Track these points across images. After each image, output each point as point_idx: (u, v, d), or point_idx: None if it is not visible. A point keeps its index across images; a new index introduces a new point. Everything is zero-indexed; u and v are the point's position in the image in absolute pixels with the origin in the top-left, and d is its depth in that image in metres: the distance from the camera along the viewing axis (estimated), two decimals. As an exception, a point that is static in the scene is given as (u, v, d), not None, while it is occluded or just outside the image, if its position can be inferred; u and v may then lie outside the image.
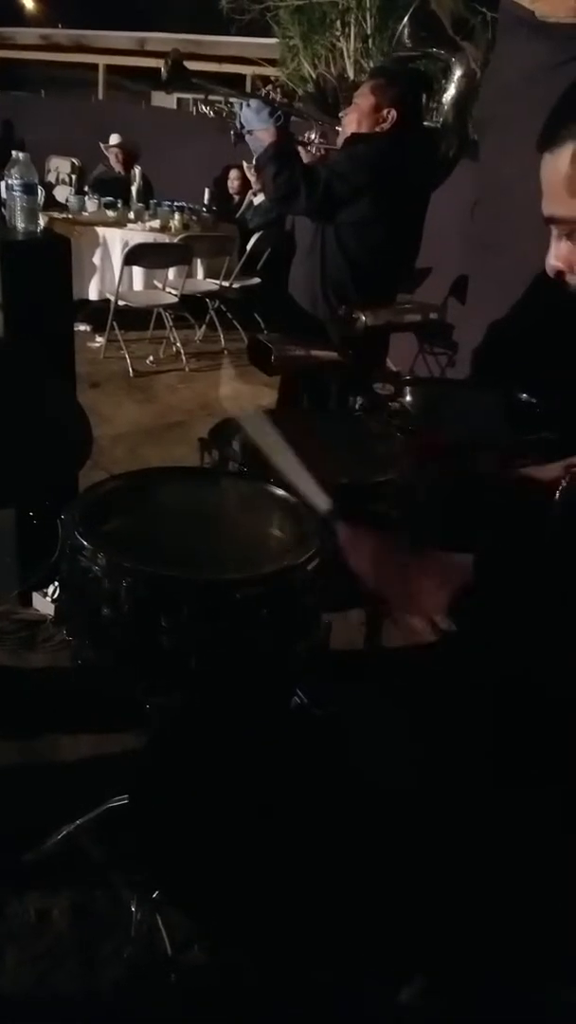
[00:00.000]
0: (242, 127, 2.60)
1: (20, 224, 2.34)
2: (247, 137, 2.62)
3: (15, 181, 2.29)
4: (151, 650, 1.19)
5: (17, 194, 2.30)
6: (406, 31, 3.19)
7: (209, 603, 1.20)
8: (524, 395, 1.75)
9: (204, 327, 6.13)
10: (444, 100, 3.06)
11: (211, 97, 2.83)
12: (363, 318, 1.68)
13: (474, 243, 3.04)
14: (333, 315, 2.47)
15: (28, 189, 2.32)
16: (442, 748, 1.19)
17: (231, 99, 3.08)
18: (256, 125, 2.54)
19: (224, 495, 1.53)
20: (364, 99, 2.57)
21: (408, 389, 1.77)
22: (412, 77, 2.69)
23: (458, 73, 3.10)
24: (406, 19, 3.46)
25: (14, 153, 2.31)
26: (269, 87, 7.13)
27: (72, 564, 1.25)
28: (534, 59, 2.40)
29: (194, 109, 11.88)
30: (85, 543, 1.20)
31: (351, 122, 2.60)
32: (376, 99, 2.54)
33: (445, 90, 3.11)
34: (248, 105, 2.57)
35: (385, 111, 2.52)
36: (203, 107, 2.79)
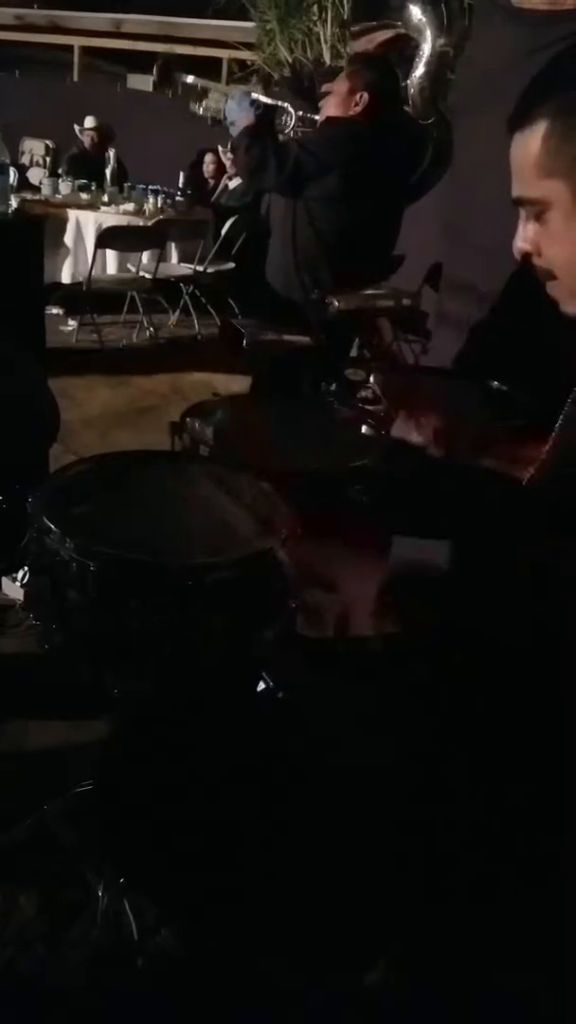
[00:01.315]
0: (225, 118, 2.69)
1: (-10, 204, 2.31)
2: (230, 129, 2.71)
3: (-16, 161, 2.25)
4: (118, 635, 1.19)
5: (-13, 173, 2.27)
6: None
7: (177, 587, 1.19)
8: (496, 383, 1.75)
9: (178, 312, 6.09)
10: (411, 80, 3.03)
11: (204, 101, 2.90)
12: (335, 303, 1.67)
13: (445, 229, 3.03)
14: (306, 296, 2.48)
15: (-1, 169, 2.29)
16: (407, 734, 1.20)
17: (214, 91, 3.12)
18: (238, 116, 2.62)
19: (194, 479, 1.52)
20: (340, 84, 2.63)
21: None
22: (388, 62, 2.68)
23: (426, 52, 3.08)
24: None
25: (-15, 133, 2.28)
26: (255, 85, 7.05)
27: (39, 547, 1.23)
28: (509, 45, 2.39)
29: (170, 92, 11.75)
30: (52, 526, 1.19)
31: (328, 107, 2.66)
32: (351, 83, 2.58)
33: (412, 70, 3.08)
34: (232, 98, 2.67)
35: (358, 95, 2.56)
36: (196, 108, 2.85)
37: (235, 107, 2.62)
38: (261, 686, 1.60)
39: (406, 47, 3.24)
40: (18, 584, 2.49)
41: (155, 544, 1.24)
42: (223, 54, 9.66)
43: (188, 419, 1.70)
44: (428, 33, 3.21)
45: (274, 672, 1.48)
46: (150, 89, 13.93)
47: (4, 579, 2.57)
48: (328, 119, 2.63)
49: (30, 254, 2.38)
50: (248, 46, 8.31)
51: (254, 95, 2.70)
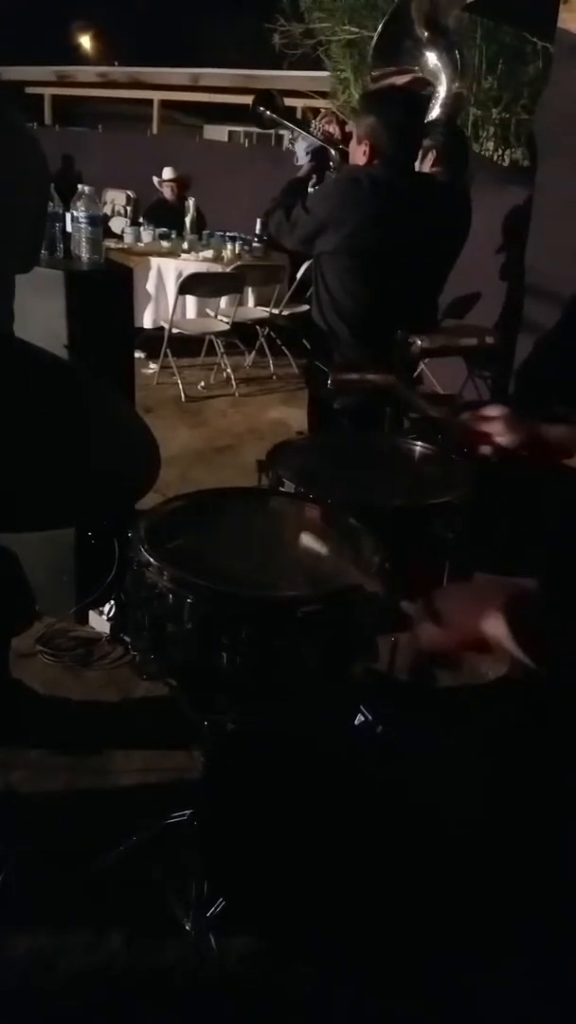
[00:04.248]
0: (297, 160, 2.92)
1: (85, 255, 2.42)
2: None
3: (81, 213, 2.37)
4: (213, 666, 1.21)
5: (83, 226, 2.39)
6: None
7: (272, 620, 1.22)
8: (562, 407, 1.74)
9: (254, 353, 6.22)
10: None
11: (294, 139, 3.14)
12: (419, 342, 1.70)
13: (529, 267, 3.05)
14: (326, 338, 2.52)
15: (93, 221, 2.41)
16: (496, 778, 1.18)
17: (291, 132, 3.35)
18: (302, 158, 2.84)
19: (282, 516, 1.55)
20: (354, 129, 2.53)
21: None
22: (388, 105, 2.46)
23: (442, 94, 3.11)
24: (375, 38, 3.54)
25: (80, 187, 2.40)
26: (322, 118, 7.24)
27: (137, 580, 1.28)
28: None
29: (245, 142, 12.15)
30: (152, 560, 1.23)
31: (351, 155, 2.57)
32: (356, 131, 2.47)
33: (429, 111, 3.09)
34: (297, 143, 2.97)
35: (363, 145, 2.42)
36: (290, 146, 3.14)
37: (301, 151, 2.86)
38: (359, 719, 1.61)
39: (422, 90, 3.27)
40: (104, 618, 2.58)
41: (247, 578, 1.28)
42: (298, 103, 9.94)
43: (274, 456, 1.74)
44: (444, 76, 3.25)
45: (373, 706, 1.48)
46: (225, 139, 14.42)
47: (91, 612, 2.65)
48: (338, 173, 2.66)
49: (122, 301, 2.49)
50: (322, 94, 8.54)
51: (306, 140, 2.93)
